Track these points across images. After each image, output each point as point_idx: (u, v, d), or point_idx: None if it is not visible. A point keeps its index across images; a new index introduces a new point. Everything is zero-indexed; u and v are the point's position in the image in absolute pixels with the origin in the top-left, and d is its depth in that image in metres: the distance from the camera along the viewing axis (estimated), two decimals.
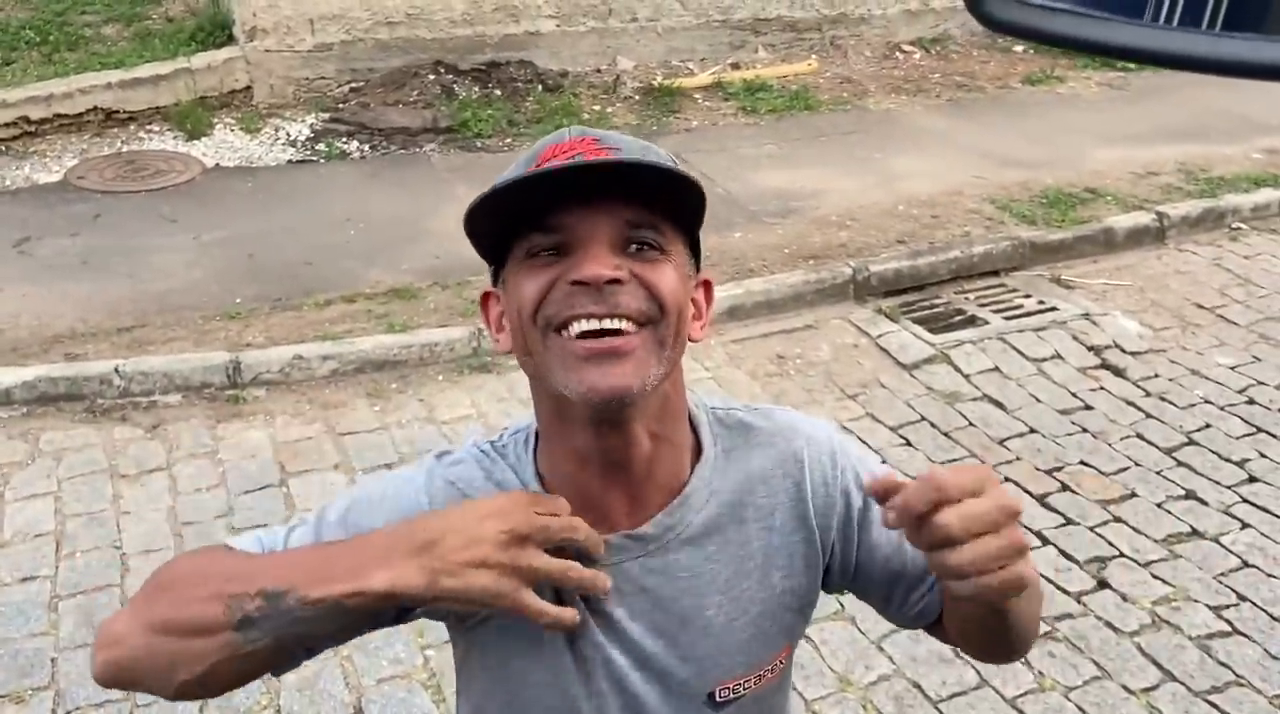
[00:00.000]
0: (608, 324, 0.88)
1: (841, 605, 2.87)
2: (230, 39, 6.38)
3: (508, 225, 0.92)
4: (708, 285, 1.02)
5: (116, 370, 3.78)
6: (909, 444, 3.65)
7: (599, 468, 0.96)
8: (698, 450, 1.02)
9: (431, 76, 6.35)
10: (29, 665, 2.69)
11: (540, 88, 6.48)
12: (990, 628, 1.00)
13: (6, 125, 5.67)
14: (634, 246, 0.90)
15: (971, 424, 3.77)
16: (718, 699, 1.01)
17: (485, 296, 1.01)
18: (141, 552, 3.05)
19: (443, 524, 0.90)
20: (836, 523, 1.04)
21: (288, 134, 5.95)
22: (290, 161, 5.72)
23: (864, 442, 3.56)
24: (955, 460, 3.55)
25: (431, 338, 4.06)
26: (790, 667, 1.09)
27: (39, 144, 5.72)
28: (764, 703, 1.06)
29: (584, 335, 0.88)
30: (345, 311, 4.26)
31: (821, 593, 1.07)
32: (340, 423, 3.69)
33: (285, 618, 0.87)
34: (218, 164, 5.64)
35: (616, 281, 0.88)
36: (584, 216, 0.89)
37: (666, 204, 0.91)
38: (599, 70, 6.77)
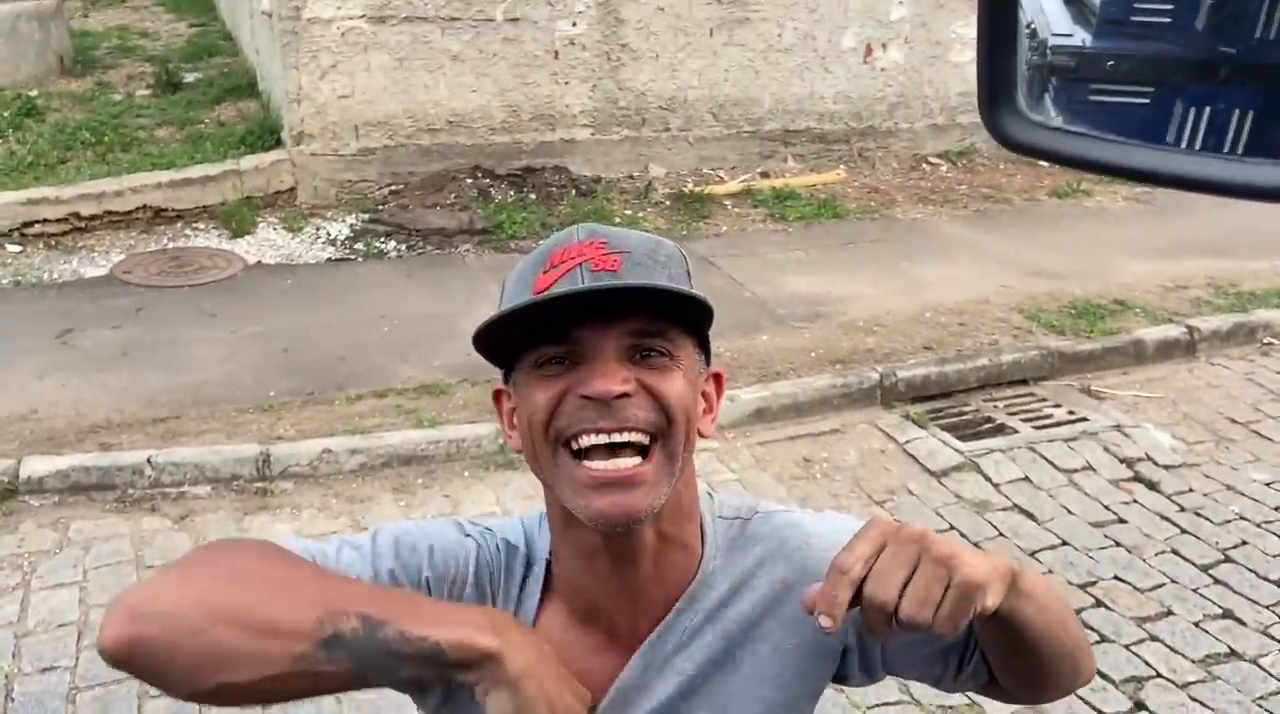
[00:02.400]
0: (617, 438, 0.90)
1: None
2: (278, 143, 6.62)
3: (517, 336, 0.95)
4: (718, 378, 1.04)
5: (149, 461, 3.83)
6: None
7: (605, 566, 0.97)
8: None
9: (469, 180, 6.54)
10: None
11: (574, 192, 6.64)
12: (1023, 650, 0.95)
13: (58, 221, 5.88)
14: (642, 354, 0.93)
15: (1002, 534, 3.71)
16: None
17: (497, 394, 1.04)
18: None
19: (537, 653, 0.89)
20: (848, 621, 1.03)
21: (328, 233, 6.12)
22: (329, 260, 5.87)
23: None
24: None
25: (459, 434, 4.08)
26: None
27: (88, 239, 5.91)
28: None
29: (593, 452, 0.90)
30: (376, 406, 4.31)
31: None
32: (365, 517, 3.69)
33: (378, 648, 0.84)
34: (259, 261, 5.79)
35: (625, 395, 0.90)
36: (593, 329, 0.92)
37: (673, 310, 0.94)
38: (631, 176, 6.95)
